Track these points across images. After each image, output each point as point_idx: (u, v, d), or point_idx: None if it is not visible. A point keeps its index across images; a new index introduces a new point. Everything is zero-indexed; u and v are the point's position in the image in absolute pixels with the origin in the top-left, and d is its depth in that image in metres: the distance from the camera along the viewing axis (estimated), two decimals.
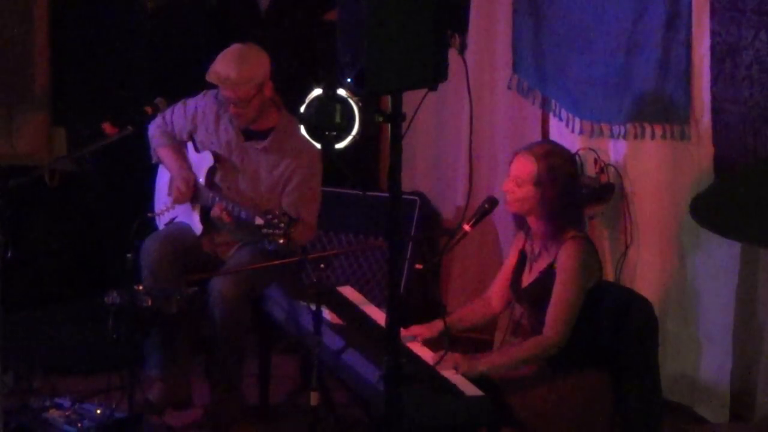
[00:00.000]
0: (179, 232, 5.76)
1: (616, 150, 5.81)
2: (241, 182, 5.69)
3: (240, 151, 5.69)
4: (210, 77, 5.55)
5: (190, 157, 5.81)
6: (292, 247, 5.43)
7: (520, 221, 4.88)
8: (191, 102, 5.77)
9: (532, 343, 4.72)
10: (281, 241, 5.12)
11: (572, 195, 4.77)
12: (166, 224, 5.85)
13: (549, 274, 4.71)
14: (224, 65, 5.54)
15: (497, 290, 5.00)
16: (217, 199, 5.59)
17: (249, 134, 5.69)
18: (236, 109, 5.57)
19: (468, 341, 5.68)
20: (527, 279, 4.84)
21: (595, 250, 4.79)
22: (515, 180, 4.75)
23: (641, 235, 5.78)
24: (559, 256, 4.69)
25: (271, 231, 5.12)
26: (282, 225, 5.09)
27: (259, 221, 5.20)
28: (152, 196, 6.01)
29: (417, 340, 4.90)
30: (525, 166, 4.73)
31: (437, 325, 4.91)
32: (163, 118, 5.78)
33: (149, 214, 5.76)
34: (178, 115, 5.79)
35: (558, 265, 4.68)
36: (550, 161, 4.72)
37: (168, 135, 5.82)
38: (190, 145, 5.82)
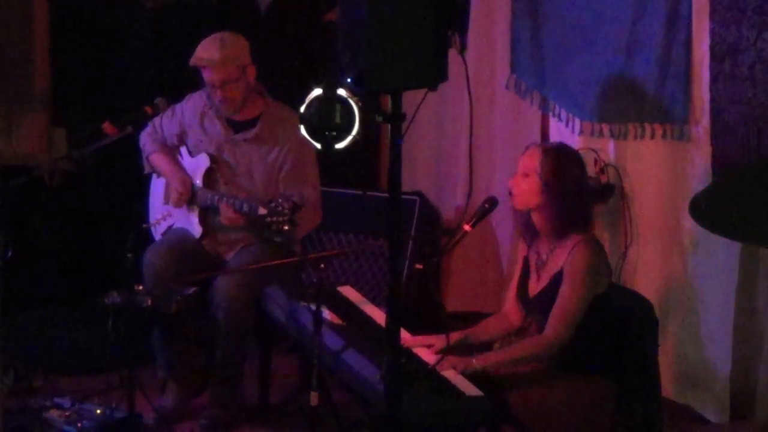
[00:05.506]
0: (179, 239, 5.75)
1: (616, 150, 5.81)
2: (237, 178, 5.69)
3: (231, 145, 5.70)
4: (194, 61, 5.62)
5: (184, 162, 5.82)
6: (298, 234, 5.43)
7: (523, 226, 4.85)
8: (178, 107, 5.81)
9: (531, 342, 4.71)
10: (286, 227, 5.12)
11: (579, 197, 4.75)
12: (163, 233, 5.85)
13: (559, 281, 4.68)
14: (206, 48, 5.61)
15: (512, 305, 4.97)
16: (216, 198, 5.58)
17: (237, 126, 5.71)
18: (223, 93, 5.61)
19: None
20: (536, 287, 4.81)
21: (603, 252, 4.78)
22: (522, 172, 4.75)
23: (641, 235, 5.78)
24: (567, 260, 4.67)
25: (275, 218, 5.12)
26: (286, 211, 5.10)
27: (262, 211, 5.20)
28: (146, 207, 5.99)
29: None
30: (532, 158, 4.74)
31: (444, 339, 4.87)
32: (153, 125, 5.82)
33: (144, 225, 5.75)
34: (167, 120, 5.82)
35: (566, 268, 4.66)
36: (557, 158, 4.72)
37: (159, 142, 5.84)
38: (183, 150, 5.82)
